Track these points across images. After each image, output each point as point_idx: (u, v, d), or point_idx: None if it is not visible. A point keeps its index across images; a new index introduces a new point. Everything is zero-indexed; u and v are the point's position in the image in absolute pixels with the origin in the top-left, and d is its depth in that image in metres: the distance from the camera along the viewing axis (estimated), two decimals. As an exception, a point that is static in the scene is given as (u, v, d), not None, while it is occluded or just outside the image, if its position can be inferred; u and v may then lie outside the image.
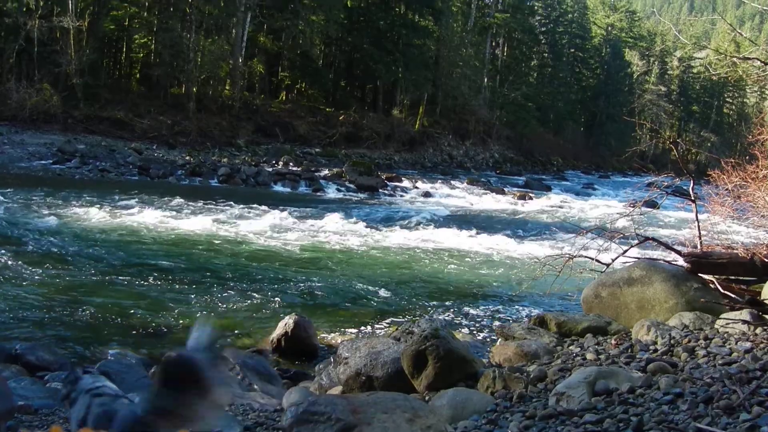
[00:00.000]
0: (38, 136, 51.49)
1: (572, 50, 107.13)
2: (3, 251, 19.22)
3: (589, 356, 9.38)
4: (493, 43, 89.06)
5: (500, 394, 8.20)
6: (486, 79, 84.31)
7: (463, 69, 77.47)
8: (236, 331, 14.12)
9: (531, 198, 47.80)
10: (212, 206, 30.86)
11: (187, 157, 49.60)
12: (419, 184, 48.90)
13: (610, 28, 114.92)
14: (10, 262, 18.04)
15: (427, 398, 8.48)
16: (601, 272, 13.08)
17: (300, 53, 72.67)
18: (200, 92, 63.51)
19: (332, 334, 14.13)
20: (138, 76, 69.86)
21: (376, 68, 72.59)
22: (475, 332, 14.77)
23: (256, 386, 10.45)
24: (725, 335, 9.24)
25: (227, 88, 67.14)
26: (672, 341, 9.26)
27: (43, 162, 43.41)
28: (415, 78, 72.40)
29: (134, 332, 13.60)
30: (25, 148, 47.04)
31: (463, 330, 14.66)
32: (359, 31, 75.09)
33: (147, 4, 66.78)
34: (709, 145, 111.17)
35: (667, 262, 12.63)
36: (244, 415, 8.52)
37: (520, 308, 17.29)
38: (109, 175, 41.43)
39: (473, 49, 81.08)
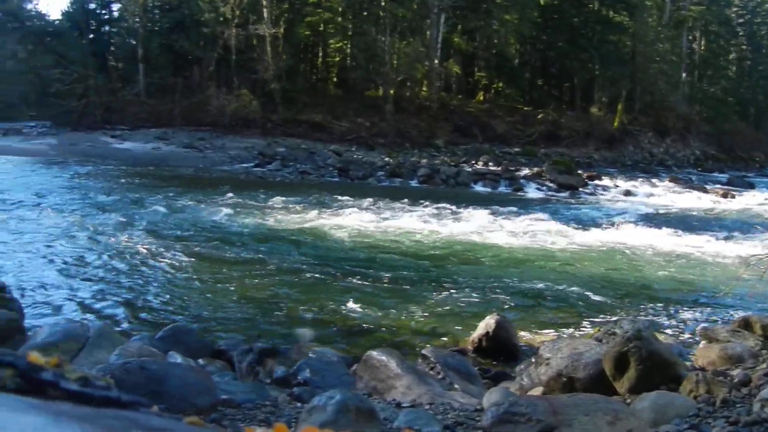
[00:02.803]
0: (239, 141, 53.06)
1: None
2: (206, 252, 20.04)
3: (797, 360, 9.24)
4: (690, 37, 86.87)
5: (703, 398, 7.98)
6: (684, 74, 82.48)
7: (660, 64, 75.98)
8: (437, 331, 14.12)
9: (734, 196, 46.41)
10: (413, 207, 31.08)
11: (387, 159, 50.20)
12: (619, 182, 47.95)
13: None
14: (213, 262, 18.78)
15: (628, 401, 8.31)
16: (810, 272, 12.83)
17: (495, 53, 72.58)
18: (397, 94, 64.11)
19: (532, 335, 13.99)
20: (335, 79, 71.01)
21: (572, 66, 72.03)
22: (677, 334, 14.37)
23: (456, 385, 10.33)
24: None
25: (424, 89, 67.56)
26: None
27: (244, 165, 44.75)
28: (612, 75, 71.36)
29: (334, 330, 13.84)
30: (227, 152, 48.53)
31: (665, 331, 14.26)
32: (553, 29, 74.27)
33: (341, 9, 67.74)
34: None
35: None
36: (444, 414, 8.46)
37: (724, 309, 16.63)
38: (309, 177, 42.30)
39: (669, 44, 79.45)
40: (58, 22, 77.43)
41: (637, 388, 8.65)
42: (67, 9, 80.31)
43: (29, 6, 70.62)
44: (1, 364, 1.25)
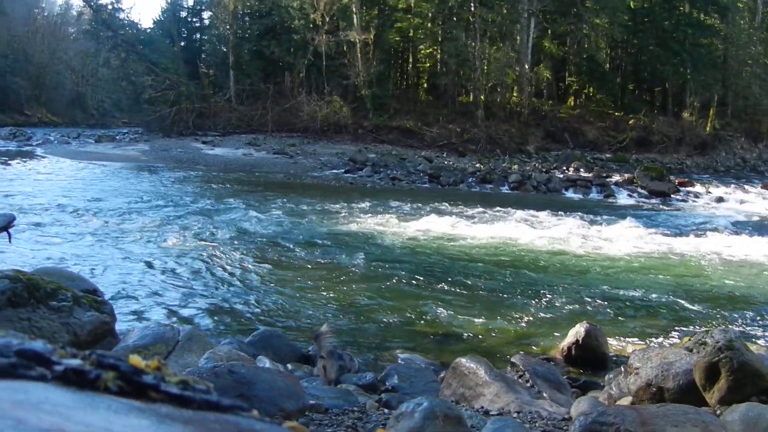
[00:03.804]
0: (329, 147, 53.51)
1: None
2: (295, 257, 20.23)
3: None
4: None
5: (794, 410, 7.85)
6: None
7: (753, 68, 74.79)
8: (526, 338, 14.03)
9: (828, 202, 45.76)
10: (503, 213, 30.84)
11: (478, 165, 50.17)
12: (712, 189, 47.25)
13: None
14: (302, 268, 18.90)
15: (718, 412, 8.17)
16: None
17: (586, 57, 72.13)
18: (488, 100, 64.01)
19: (621, 343, 13.85)
20: (425, 85, 71.19)
21: (663, 70, 71.23)
22: (769, 344, 14.30)
23: (545, 394, 10.25)
24: None
25: (515, 94, 67.36)
26: None
27: (335, 171, 45.07)
28: (704, 79, 70.27)
29: (423, 337, 13.78)
30: (318, 158, 48.89)
31: (757, 342, 13.99)
32: (644, 33, 73.56)
33: (430, 14, 67.89)
34: None
35: None
36: (532, 422, 8.48)
37: (818, 319, 16.56)
38: (400, 183, 42.42)
39: (762, 47, 78.09)
40: (150, 30, 78.90)
41: (727, 400, 8.54)
42: (158, 17, 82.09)
43: (121, 15, 71.63)
44: (104, 366, 1.27)
